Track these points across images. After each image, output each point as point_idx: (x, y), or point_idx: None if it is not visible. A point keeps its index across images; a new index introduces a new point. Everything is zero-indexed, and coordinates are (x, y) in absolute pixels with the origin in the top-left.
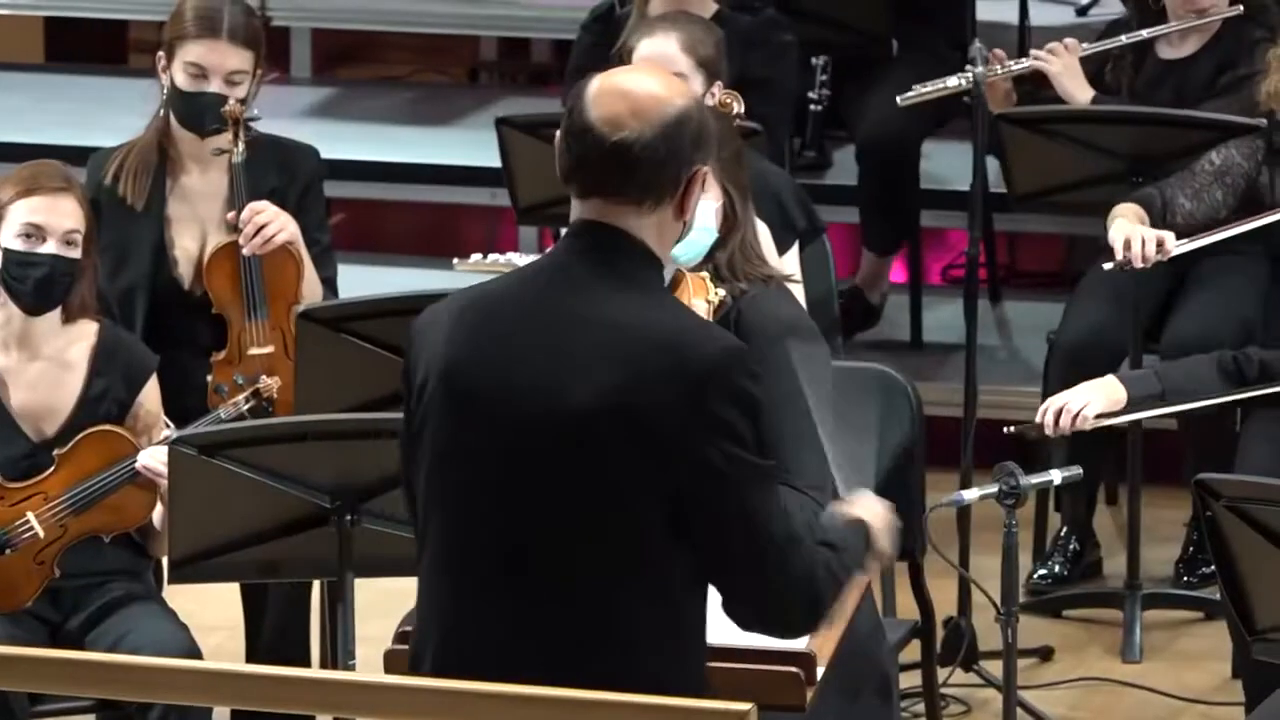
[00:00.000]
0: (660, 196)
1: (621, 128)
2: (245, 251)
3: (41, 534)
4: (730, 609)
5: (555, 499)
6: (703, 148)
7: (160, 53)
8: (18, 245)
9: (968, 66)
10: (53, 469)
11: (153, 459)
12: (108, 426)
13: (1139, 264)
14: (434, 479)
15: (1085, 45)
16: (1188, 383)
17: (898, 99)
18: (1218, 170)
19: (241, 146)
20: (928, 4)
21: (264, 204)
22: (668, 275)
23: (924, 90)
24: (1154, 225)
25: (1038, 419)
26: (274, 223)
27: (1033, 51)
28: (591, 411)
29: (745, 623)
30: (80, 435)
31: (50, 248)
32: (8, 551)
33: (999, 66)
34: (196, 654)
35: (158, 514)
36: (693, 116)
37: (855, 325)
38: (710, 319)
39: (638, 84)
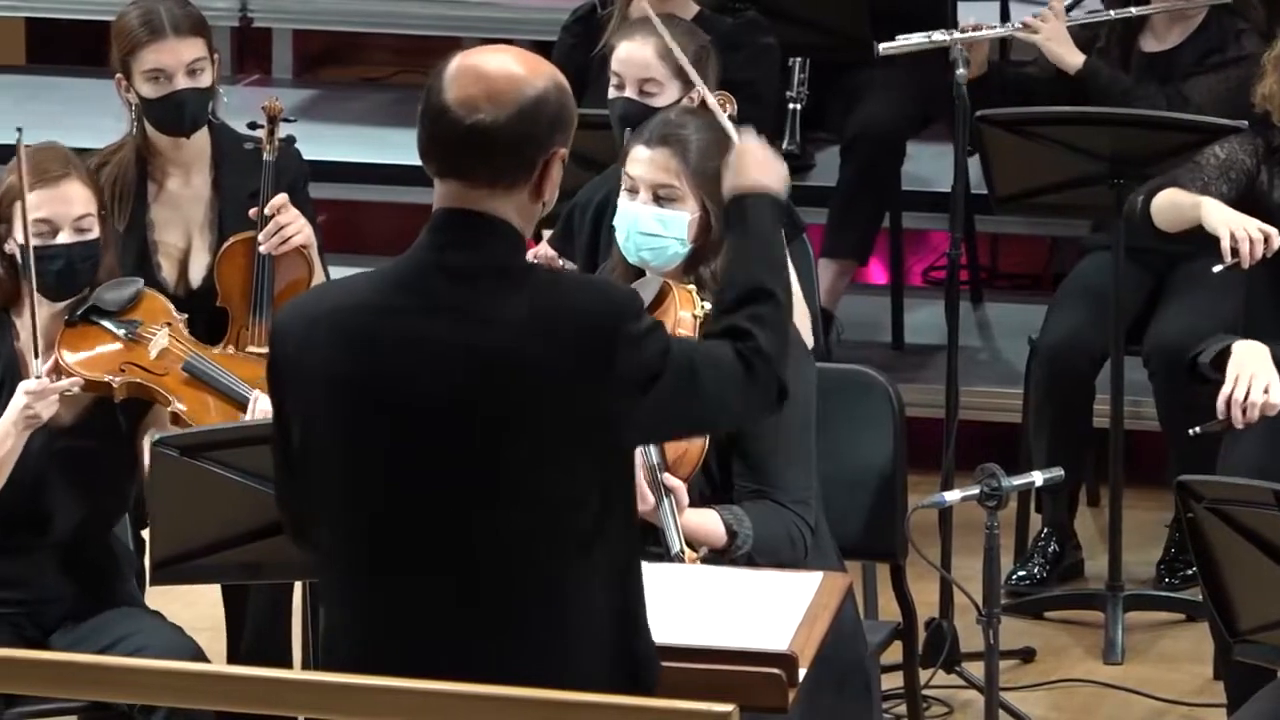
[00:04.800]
0: (515, 180)
1: (477, 110)
2: (262, 249)
3: (154, 353)
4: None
5: (492, 499)
6: (562, 129)
7: (118, 75)
8: (33, 241)
9: (950, 31)
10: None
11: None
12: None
13: (1247, 265)
14: (349, 490)
15: (1072, 14)
16: None
17: (880, 47)
18: (1223, 164)
19: (276, 143)
20: (908, 6)
21: (286, 202)
22: (652, 290)
23: (907, 42)
24: None
25: (1220, 415)
26: (293, 224)
27: (1020, 20)
28: (515, 409)
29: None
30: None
31: (64, 237)
32: (124, 335)
33: (983, 30)
34: (202, 658)
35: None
36: (551, 98)
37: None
38: (696, 334)
39: (496, 65)
